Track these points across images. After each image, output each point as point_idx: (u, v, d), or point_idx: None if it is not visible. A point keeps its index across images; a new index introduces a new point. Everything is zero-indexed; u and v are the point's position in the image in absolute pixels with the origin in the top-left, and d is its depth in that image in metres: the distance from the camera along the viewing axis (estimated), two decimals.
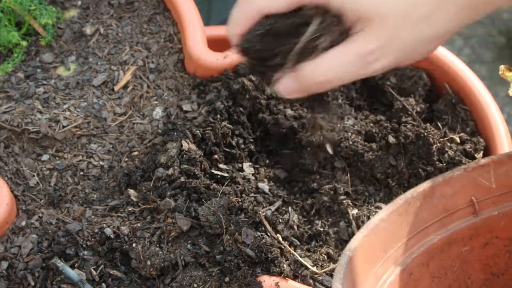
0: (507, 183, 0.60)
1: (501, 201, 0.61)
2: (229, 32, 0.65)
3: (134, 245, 0.71)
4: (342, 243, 0.74)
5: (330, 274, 0.70)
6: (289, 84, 0.62)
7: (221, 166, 0.77)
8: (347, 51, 0.59)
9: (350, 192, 0.74)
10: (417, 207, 0.58)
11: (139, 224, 0.73)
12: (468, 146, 0.77)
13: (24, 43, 0.86)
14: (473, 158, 0.76)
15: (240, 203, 0.73)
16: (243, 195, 0.74)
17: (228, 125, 0.79)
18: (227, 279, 0.68)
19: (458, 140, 0.78)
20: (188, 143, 0.77)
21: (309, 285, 0.69)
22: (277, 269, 0.70)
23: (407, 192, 0.59)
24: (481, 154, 0.77)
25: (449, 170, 0.61)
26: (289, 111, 0.81)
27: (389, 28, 0.58)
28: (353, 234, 0.74)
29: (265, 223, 0.72)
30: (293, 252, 0.70)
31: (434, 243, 0.59)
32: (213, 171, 0.76)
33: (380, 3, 0.58)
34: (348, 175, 0.76)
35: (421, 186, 0.59)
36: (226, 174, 0.76)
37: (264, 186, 0.76)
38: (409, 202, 0.58)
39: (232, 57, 0.84)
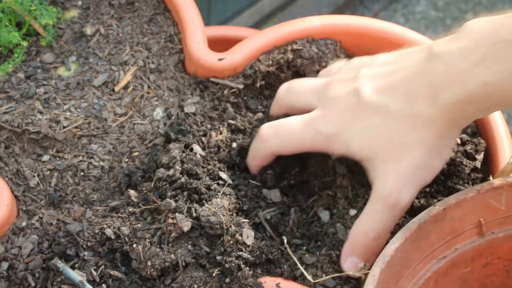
0: None
1: (508, 222, 0.61)
2: (248, 162, 0.77)
3: (134, 245, 0.71)
4: (341, 243, 0.74)
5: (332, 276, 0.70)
6: (349, 261, 0.69)
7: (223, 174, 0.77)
8: (372, 202, 0.66)
9: (351, 196, 0.74)
10: (428, 231, 0.58)
11: (139, 225, 0.73)
12: (469, 147, 0.77)
13: (25, 44, 0.86)
14: (473, 159, 0.76)
15: (241, 204, 0.73)
16: (244, 199, 0.74)
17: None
18: (227, 280, 0.68)
19: (458, 141, 0.78)
20: (198, 146, 0.78)
21: (310, 286, 0.68)
22: (278, 270, 0.70)
23: (419, 215, 0.58)
24: (481, 155, 0.77)
25: (462, 191, 0.61)
26: None
27: (392, 166, 0.65)
28: None
29: (265, 224, 0.72)
30: (296, 261, 0.70)
31: (440, 267, 0.59)
32: (220, 173, 0.76)
33: (377, 147, 0.65)
34: (349, 181, 0.76)
35: (434, 209, 0.58)
36: (230, 182, 0.76)
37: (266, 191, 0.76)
38: (421, 227, 0.57)
39: (232, 57, 0.84)
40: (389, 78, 0.65)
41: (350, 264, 0.67)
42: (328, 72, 0.79)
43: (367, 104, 0.65)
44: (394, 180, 0.64)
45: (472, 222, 0.60)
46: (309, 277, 0.68)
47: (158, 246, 0.71)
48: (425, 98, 0.62)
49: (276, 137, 0.72)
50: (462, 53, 0.59)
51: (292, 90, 0.77)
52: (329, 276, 0.68)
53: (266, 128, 0.73)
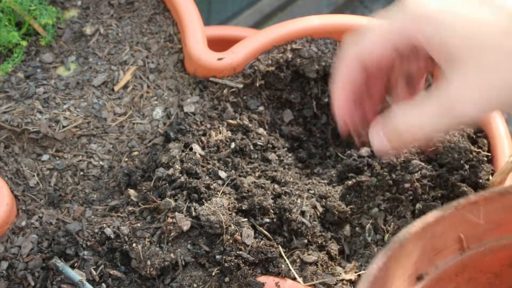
0: (495, 219, 0.60)
1: (488, 236, 0.61)
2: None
3: (134, 245, 0.71)
4: (339, 242, 0.74)
5: (331, 273, 0.70)
6: (380, 138, 0.59)
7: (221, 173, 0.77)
8: (434, 101, 0.55)
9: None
10: (410, 249, 0.58)
11: (139, 224, 0.73)
12: (474, 148, 0.77)
13: (24, 43, 0.86)
14: (477, 160, 0.77)
15: (240, 204, 0.73)
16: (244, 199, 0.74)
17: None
18: (227, 279, 0.68)
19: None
20: (197, 146, 0.78)
21: (310, 285, 0.68)
22: (276, 269, 0.70)
23: (400, 233, 0.57)
24: (484, 153, 0.77)
25: (440, 207, 0.60)
26: None
27: (469, 68, 0.53)
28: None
29: (260, 229, 0.72)
30: (289, 264, 0.70)
31: (424, 285, 0.59)
32: (219, 173, 0.76)
33: (474, 39, 0.53)
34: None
35: (413, 226, 0.58)
36: (228, 181, 0.76)
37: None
38: (403, 245, 0.57)
39: (231, 57, 0.84)
40: None
41: (378, 141, 0.59)
42: None
43: None
44: (467, 84, 0.53)
45: (453, 238, 0.60)
46: (300, 280, 0.68)
47: (158, 245, 0.71)
48: None
49: (358, 37, 0.59)
50: None
51: None
52: (318, 281, 0.68)
53: (345, 40, 0.61)
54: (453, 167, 0.75)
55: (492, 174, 0.74)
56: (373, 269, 0.55)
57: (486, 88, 0.53)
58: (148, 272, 0.70)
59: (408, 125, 0.57)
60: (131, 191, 0.76)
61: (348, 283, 0.69)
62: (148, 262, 0.69)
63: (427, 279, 0.59)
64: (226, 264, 0.68)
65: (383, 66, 0.60)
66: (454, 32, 0.54)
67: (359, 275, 0.68)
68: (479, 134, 0.79)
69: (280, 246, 0.72)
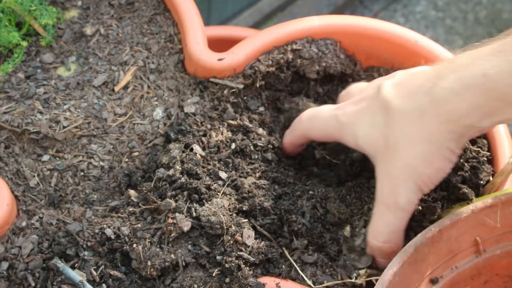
0: None
1: (504, 239, 0.61)
2: (284, 139, 0.82)
3: (134, 245, 0.71)
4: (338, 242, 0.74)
5: (331, 274, 0.70)
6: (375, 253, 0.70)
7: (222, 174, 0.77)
8: (376, 204, 0.67)
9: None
10: (425, 253, 0.58)
11: (139, 225, 0.73)
12: (474, 148, 0.77)
13: (25, 44, 0.86)
14: (477, 161, 0.77)
15: (241, 205, 0.73)
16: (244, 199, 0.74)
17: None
18: (227, 279, 0.68)
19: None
20: (198, 146, 0.78)
21: (310, 286, 0.69)
22: (277, 270, 0.70)
23: (416, 238, 0.58)
24: (484, 152, 0.77)
25: (457, 210, 0.60)
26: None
27: (383, 164, 0.66)
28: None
29: (261, 230, 0.72)
30: (296, 267, 0.70)
31: None
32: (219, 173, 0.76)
33: (372, 142, 0.66)
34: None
35: (429, 231, 0.58)
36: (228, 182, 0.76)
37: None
38: (418, 250, 0.57)
39: (232, 58, 0.84)
40: (406, 84, 0.65)
41: (381, 264, 0.69)
42: (348, 93, 0.79)
43: (381, 99, 0.65)
44: (388, 181, 0.64)
45: (469, 241, 0.60)
46: (309, 282, 0.68)
47: (158, 246, 0.71)
48: (423, 90, 0.61)
49: (309, 119, 0.75)
50: (467, 55, 0.60)
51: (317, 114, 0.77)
52: (327, 284, 0.68)
53: (308, 111, 0.77)
54: (454, 168, 0.75)
55: (492, 175, 0.74)
56: (389, 274, 0.55)
57: (401, 182, 0.64)
58: (148, 272, 0.70)
59: (377, 237, 0.67)
60: (132, 192, 0.76)
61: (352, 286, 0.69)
62: (149, 263, 0.69)
63: (442, 282, 0.59)
64: (226, 265, 0.68)
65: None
66: (364, 142, 0.67)
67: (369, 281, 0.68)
68: (479, 135, 0.79)
69: (282, 247, 0.72)
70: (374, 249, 0.68)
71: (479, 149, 0.77)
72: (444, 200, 0.72)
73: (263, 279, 0.68)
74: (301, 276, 0.69)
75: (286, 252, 0.71)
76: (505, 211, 0.60)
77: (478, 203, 0.59)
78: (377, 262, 0.69)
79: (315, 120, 0.75)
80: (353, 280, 0.68)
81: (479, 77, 0.56)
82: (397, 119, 0.62)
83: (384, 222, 0.66)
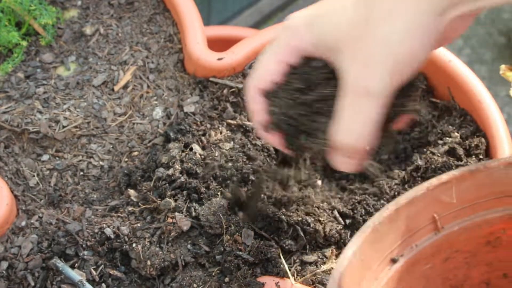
0: (468, 197, 0.60)
1: (461, 215, 0.61)
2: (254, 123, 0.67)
3: (134, 245, 0.71)
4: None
5: (329, 273, 0.70)
6: (339, 159, 0.62)
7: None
8: (343, 97, 0.59)
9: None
10: (384, 232, 0.58)
11: (139, 224, 0.73)
12: (472, 145, 0.77)
13: (24, 43, 0.86)
14: (477, 158, 0.77)
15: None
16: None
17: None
18: (227, 279, 0.68)
19: (458, 136, 0.78)
20: (197, 146, 0.78)
21: (309, 284, 0.69)
22: (276, 269, 0.70)
23: (373, 217, 0.57)
24: (483, 152, 0.77)
25: (412, 189, 0.60)
26: None
27: (351, 47, 0.58)
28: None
29: (260, 232, 0.72)
30: (284, 263, 0.70)
31: (400, 266, 0.59)
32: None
33: (342, 35, 0.58)
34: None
35: (386, 210, 0.58)
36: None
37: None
38: (376, 229, 0.57)
39: (231, 57, 0.84)
40: None
41: (340, 164, 0.62)
42: None
43: None
44: (358, 65, 0.57)
45: (427, 218, 0.60)
46: (292, 279, 0.68)
47: (158, 245, 0.71)
48: None
49: (255, 68, 0.64)
50: None
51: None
52: (304, 277, 0.68)
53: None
54: (454, 167, 0.75)
55: None
56: (349, 253, 0.55)
57: (375, 62, 0.56)
58: (148, 272, 0.70)
59: (349, 134, 0.59)
60: (131, 191, 0.76)
61: None
62: (148, 262, 0.69)
63: (403, 261, 0.59)
64: (226, 264, 0.68)
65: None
66: (328, 33, 0.59)
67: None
68: (478, 134, 0.79)
69: (279, 248, 0.72)
70: (345, 149, 0.60)
71: (479, 150, 0.77)
72: None
73: (262, 279, 0.68)
74: (300, 270, 0.69)
75: (280, 253, 0.71)
76: (460, 187, 0.59)
77: (432, 180, 0.59)
78: (340, 162, 0.62)
79: (260, 60, 0.63)
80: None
81: None
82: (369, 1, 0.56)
83: (356, 114, 0.58)
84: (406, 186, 0.76)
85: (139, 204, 0.75)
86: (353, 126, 0.58)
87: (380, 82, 0.57)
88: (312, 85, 0.60)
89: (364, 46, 0.57)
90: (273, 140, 0.65)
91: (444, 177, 0.59)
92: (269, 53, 0.63)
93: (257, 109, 0.64)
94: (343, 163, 0.62)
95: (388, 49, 0.56)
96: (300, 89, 0.61)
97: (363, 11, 0.57)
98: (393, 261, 0.59)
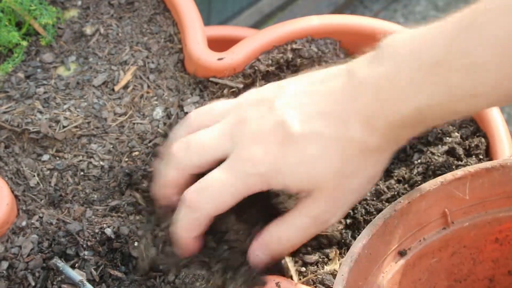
0: (481, 194, 0.60)
1: (472, 211, 0.61)
2: (179, 240, 0.68)
3: (136, 244, 0.71)
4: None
5: (331, 273, 0.70)
6: (259, 253, 0.67)
7: None
8: (301, 216, 0.64)
9: None
10: (394, 226, 0.58)
11: (139, 224, 0.73)
12: (473, 145, 0.77)
13: (24, 43, 0.86)
14: (477, 158, 0.77)
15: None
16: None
17: None
18: (229, 275, 0.68)
19: (458, 136, 0.78)
20: None
21: (309, 284, 0.69)
22: (276, 269, 0.70)
23: (385, 210, 0.57)
24: (483, 152, 0.77)
25: (425, 183, 0.60)
26: None
27: (329, 192, 0.62)
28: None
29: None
30: (288, 263, 0.70)
31: (407, 260, 0.59)
32: None
33: (317, 177, 0.61)
34: None
35: (398, 203, 0.58)
36: None
37: None
38: (387, 222, 0.57)
39: (231, 57, 0.84)
40: (314, 107, 0.60)
41: (256, 260, 0.66)
42: (207, 115, 0.69)
43: (298, 135, 0.60)
44: (330, 205, 0.62)
45: (437, 213, 0.60)
46: (295, 278, 0.68)
47: (160, 244, 0.71)
48: (360, 124, 0.58)
49: (208, 202, 0.62)
50: (388, 79, 0.56)
51: (192, 146, 0.65)
52: (306, 278, 0.68)
53: (192, 194, 0.63)
54: (454, 168, 0.75)
55: None
56: (358, 247, 0.55)
57: (340, 205, 0.63)
58: (150, 270, 0.69)
59: (279, 239, 0.65)
60: (137, 195, 0.76)
61: None
62: (150, 261, 0.69)
63: (410, 254, 0.60)
64: (229, 262, 0.68)
65: None
66: (299, 180, 0.62)
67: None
68: (478, 134, 0.80)
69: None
70: (272, 250, 0.65)
71: (479, 150, 0.77)
72: None
73: (262, 278, 0.68)
74: (299, 270, 0.69)
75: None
76: (474, 183, 0.60)
77: (447, 175, 0.59)
78: (253, 259, 0.66)
79: (218, 196, 0.62)
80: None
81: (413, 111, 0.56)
82: (338, 148, 0.60)
83: (302, 233, 0.64)
84: (406, 185, 0.76)
85: (140, 203, 0.75)
86: (296, 239, 0.66)
87: (338, 219, 0.67)
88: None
89: (336, 194, 0.63)
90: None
91: (459, 172, 0.59)
92: (227, 197, 0.63)
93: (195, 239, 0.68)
94: (262, 259, 0.67)
95: (354, 197, 0.64)
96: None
97: (336, 163, 0.61)
98: (401, 254, 0.59)
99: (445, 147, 0.78)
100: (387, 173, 0.78)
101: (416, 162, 0.77)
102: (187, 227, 0.65)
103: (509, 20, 0.51)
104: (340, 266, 0.56)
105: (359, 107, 0.58)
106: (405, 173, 0.77)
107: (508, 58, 0.52)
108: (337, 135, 0.59)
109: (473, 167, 0.59)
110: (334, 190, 0.62)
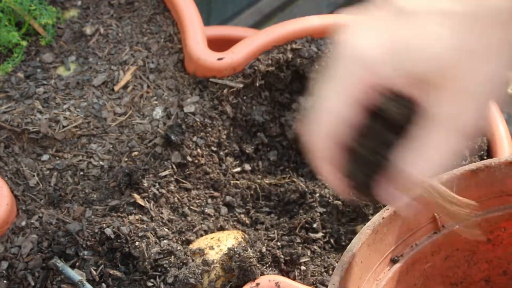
0: (469, 196, 0.59)
1: None
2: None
3: (137, 243, 0.71)
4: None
5: (331, 273, 0.70)
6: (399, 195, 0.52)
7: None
8: (440, 137, 0.51)
9: None
10: (384, 233, 0.57)
11: (139, 224, 0.73)
12: (476, 147, 0.77)
13: (24, 43, 0.86)
14: (481, 159, 0.77)
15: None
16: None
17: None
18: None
19: None
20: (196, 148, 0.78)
21: (309, 284, 0.69)
22: (277, 268, 0.70)
23: (373, 218, 0.57)
24: (484, 152, 0.77)
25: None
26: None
27: (463, 89, 0.50)
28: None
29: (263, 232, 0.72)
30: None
31: (400, 266, 0.59)
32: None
33: (438, 68, 0.50)
34: None
35: (386, 210, 0.57)
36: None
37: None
38: (376, 230, 0.56)
39: (231, 57, 0.84)
40: None
41: (391, 197, 0.53)
42: None
43: (413, 11, 0.49)
44: (463, 100, 0.50)
45: (427, 217, 0.60)
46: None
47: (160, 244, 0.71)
48: None
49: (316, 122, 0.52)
50: None
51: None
52: (306, 278, 0.68)
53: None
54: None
55: None
56: (347, 256, 0.55)
57: (474, 100, 0.50)
58: (151, 269, 0.70)
59: (426, 167, 0.51)
60: (137, 196, 0.76)
61: None
62: (152, 260, 0.69)
63: (403, 260, 0.59)
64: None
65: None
66: (418, 64, 0.49)
67: None
68: (479, 134, 0.80)
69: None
70: (407, 181, 0.51)
71: (481, 149, 0.77)
72: None
73: (262, 278, 0.68)
74: (300, 270, 0.69)
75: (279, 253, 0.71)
76: (460, 186, 0.59)
77: (433, 180, 0.58)
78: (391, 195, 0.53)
79: (323, 106, 0.51)
80: None
81: None
82: (464, 23, 0.48)
83: (443, 151, 0.51)
84: None
85: (140, 203, 0.75)
86: (436, 163, 0.52)
87: (476, 120, 0.51)
88: (398, 128, 0.51)
89: (468, 83, 0.50)
90: (340, 186, 0.54)
91: (445, 176, 0.59)
92: (336, 92, 0.51)
93: (333, 164, 0.52)
94: (394, 197, 0.53)
95: (491, 87, 0.50)
96: (387, 134, 0.51)
97: (467, 40, 0.49)
98: (393, 261, 0.59)
99: None
100: None
101: None
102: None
103: None
104: (331, 276, 0.55)
105: None
106: None
107: None
108: (464, 8, 0.47)
109: (459, 169, 0.59)
110: (457, 76, 0.49)
